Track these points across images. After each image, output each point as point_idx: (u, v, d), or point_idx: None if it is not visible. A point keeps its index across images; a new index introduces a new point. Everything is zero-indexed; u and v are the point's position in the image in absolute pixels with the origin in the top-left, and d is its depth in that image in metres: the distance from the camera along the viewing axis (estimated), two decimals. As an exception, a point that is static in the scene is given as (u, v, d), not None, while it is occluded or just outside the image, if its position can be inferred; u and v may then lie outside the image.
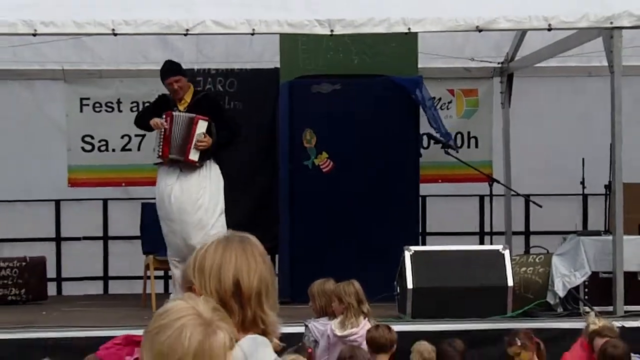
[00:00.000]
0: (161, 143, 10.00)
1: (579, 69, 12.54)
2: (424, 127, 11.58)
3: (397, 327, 8.06)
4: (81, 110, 13.12)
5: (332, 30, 9.30)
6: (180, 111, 10.10)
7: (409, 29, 9.44)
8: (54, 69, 12.89)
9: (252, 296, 2.90)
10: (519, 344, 8.12)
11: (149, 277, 11.04)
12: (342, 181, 11.17)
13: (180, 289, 3.01)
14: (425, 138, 12.03)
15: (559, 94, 13.21)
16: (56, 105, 13.06)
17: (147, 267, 11.15)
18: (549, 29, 9.75)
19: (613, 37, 9.61)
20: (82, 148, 13.03)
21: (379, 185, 11.10)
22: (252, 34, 9.37)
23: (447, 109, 13.28)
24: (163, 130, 9.94)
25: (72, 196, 13.04)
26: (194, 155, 9.88)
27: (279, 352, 3.19)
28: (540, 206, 12.11)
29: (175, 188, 9.91)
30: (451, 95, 13.44)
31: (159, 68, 10.56)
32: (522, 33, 12.06)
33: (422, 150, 11.85)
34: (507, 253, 9.72)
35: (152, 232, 10.90)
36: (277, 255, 11.46)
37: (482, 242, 12.87)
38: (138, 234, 11.74)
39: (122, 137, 12.71)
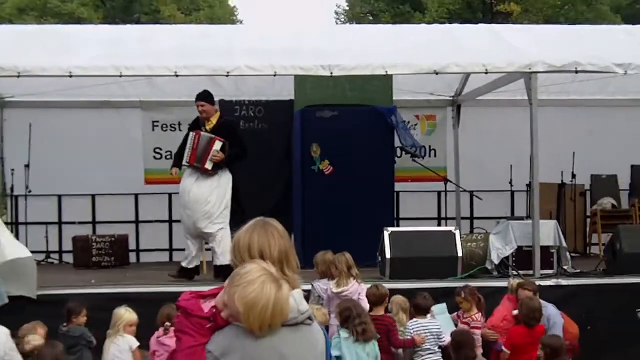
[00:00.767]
0: (189, 152, 9.89)
1: (507, 101, 12.52)
2: (397, 142, 11.57)
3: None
4: (153, 130, 13.16)
5: (331, 72, 9.27)
6: (206, 130, 9.97)
7: (387, 71, 9.40)
8: (133, 100, 12.93)
9: (275, 263, 2.86)
10: (462, 296, 8.20)
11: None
12: (339, 181, 11.15)
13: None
14: (398, 150, 12.02)
15: (493, 118, 13.20)
16: (135, 127, 13.09)
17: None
18: (486, 72, 9.72)
19: (531, 79, 9.62)
20: (154, 157, 13.07)
21: (365, 183, 11.07)
22: (274, 75, 9.34)
23: (414, 129, 13.33)
24: (192, 143, 9.87)
25: (147, 191, 13.05)
26: (209, 165, 9.73)
27: None
28: (481, 199, 12.15)
29: (194, 186, 9.77)
30: (417, 119, 13.48)
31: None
32: (467, 75, 12.09)
33: (396, 159, 11.83)
34: (457, 233, 9.71)
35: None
36: (292, 234, 11.44)
37: (439, 225, 12.88)
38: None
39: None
